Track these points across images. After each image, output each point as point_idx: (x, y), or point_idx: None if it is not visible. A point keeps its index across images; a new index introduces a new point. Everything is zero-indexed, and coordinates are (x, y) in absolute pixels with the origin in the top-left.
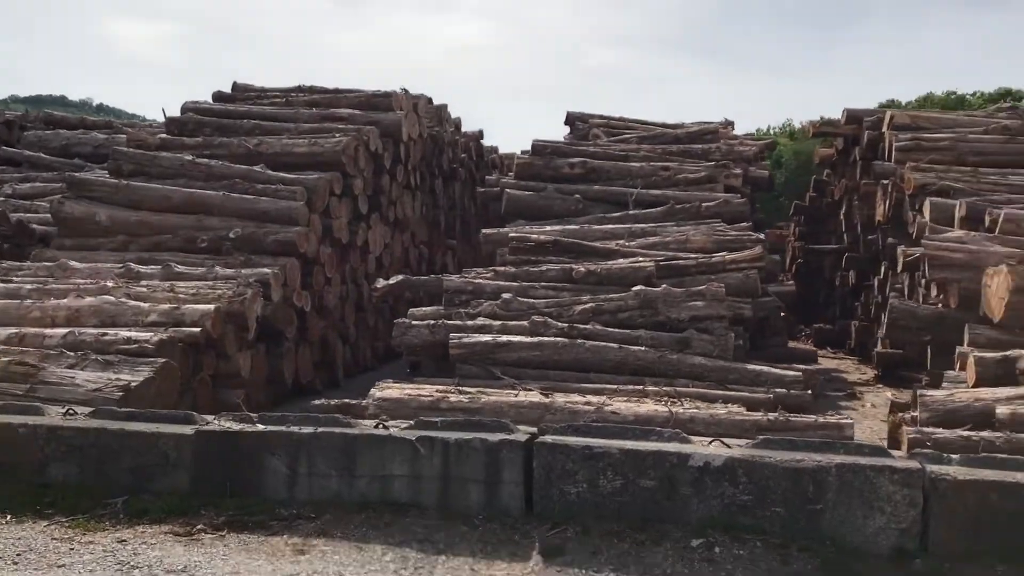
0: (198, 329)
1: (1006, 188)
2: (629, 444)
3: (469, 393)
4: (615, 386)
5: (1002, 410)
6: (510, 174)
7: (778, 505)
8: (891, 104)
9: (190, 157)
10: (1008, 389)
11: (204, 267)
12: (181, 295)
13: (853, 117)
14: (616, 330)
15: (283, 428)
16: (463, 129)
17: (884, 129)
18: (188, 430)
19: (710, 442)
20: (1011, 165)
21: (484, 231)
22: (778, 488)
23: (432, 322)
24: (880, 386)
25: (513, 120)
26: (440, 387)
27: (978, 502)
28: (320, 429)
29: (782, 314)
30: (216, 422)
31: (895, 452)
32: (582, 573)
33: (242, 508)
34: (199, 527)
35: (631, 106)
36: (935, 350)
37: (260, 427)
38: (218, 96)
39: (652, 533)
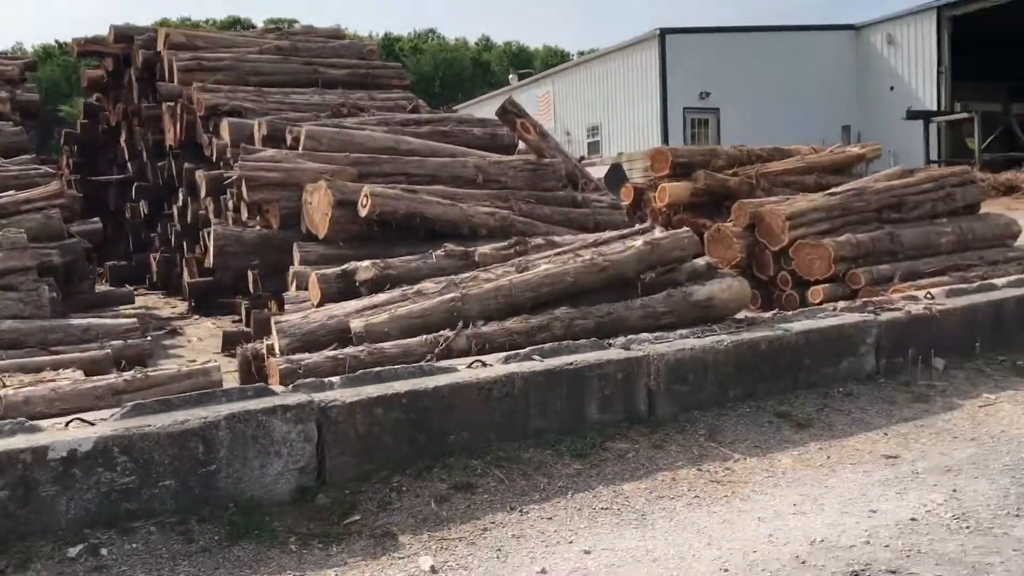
0: None
1: (290, 106)
2: None
3: None
4: None
5: (356, 323)
6: None
7: (167, 478)
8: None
9: None
10: (355, 302)
11: None
12: None
13: (122, 35)
14: None
15: None
16: None
17: (160, 48)
18: None
19: (67, 423)
20: (287, 84)
21: None
22: (164, 459)
23: None
24: (197, 317)
25: None
26: None
27: (367, 420)
28: None
29: (89, 256)
30: None
31: (277, 388)
32: None
33: None
34: None
35: None
36: (264, 272)
37: None
38: None
39: (13, 557)
